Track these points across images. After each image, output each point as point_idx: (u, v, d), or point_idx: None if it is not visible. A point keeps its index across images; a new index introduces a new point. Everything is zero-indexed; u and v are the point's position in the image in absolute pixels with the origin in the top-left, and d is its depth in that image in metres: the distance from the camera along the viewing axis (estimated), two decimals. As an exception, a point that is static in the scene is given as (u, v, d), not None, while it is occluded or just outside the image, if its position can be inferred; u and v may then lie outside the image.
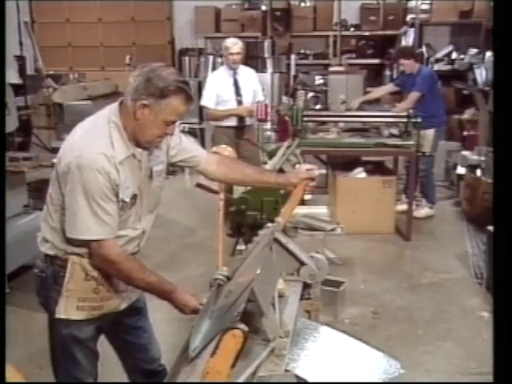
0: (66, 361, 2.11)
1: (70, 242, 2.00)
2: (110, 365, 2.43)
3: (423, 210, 5.96)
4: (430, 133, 5.69)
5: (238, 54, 5.26)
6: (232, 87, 5.26)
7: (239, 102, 5.27)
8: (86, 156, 1.88)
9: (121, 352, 2.35)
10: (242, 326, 1.48)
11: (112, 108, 2.01)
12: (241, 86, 5.29)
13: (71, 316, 2.04)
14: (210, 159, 2.34)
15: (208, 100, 5.29)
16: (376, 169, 5.87)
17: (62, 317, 2.04)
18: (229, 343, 1.42)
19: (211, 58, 9.58)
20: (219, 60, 9.56)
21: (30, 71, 8.63)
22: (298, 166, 2.64)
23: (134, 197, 2.03)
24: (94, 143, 1.92)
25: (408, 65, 5.83)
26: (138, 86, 1.90)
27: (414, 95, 5.71)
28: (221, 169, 2.33)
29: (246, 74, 5.42)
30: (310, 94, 7.84)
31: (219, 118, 5.28)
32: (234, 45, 5.26)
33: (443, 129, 6.08)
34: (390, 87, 6.59)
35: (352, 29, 9.51)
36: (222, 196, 2.26)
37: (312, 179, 2.38)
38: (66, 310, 2.03)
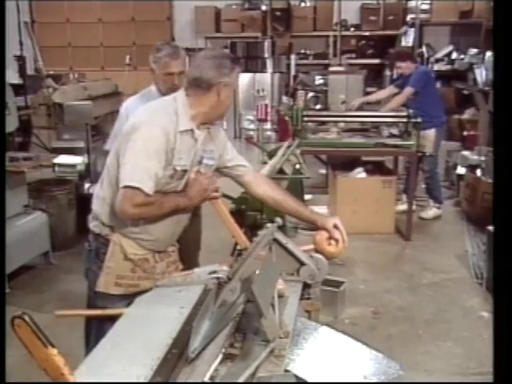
0: (96, 334, 2.18)
1: (115, 215, 2.11)
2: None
3: (431, 211, 5.92)
4: (430, 133, 5.66)
5: (181, 73, 3.00)
6: None
7: None
8: (151, 116, 2.08)
9: None
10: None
11: (177, 94, 2.17)
12: None
13: (110, 291, 2.21)
14: (255, 174, 2.43)
15: (110, 143, 2.96)
16: (376, 169, 5.86)
17: (102, 290, 2.21)
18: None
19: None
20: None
21: (30, 71, 8.63)
22: (333, 219, 2.45)
23: (184, 171, 2.14)
24: (160, 110, 2.10)
25: (405, 67, 5.82)
26: (208, 72, 2.06)
27: (408, 90, 5.66)
28: (263, 186, 2.38)
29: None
30: (310, 94, 7.86)
31: None
32: (175, 59, 3.02)
33: (444, 129, 6.06)
34: (391, 89, 6.52)
35: (352, 29, 9.52)
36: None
37: (334, 238, 2.40)
38: (106, 285, 2.21)
